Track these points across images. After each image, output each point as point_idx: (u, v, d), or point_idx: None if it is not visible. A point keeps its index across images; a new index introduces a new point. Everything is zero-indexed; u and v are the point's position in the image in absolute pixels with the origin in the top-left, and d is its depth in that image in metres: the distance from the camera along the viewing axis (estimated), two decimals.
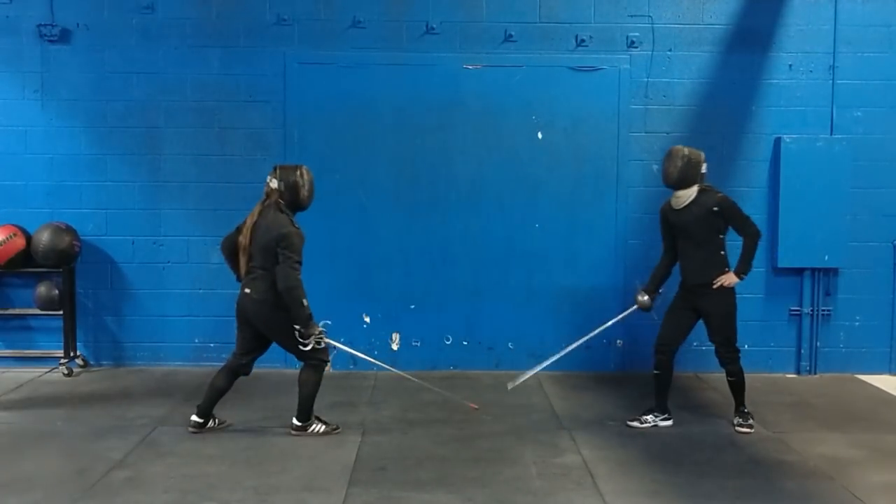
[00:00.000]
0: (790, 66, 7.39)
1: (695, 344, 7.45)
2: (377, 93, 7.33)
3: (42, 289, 7.22)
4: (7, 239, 7.06)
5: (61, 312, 7.21)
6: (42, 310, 7.26)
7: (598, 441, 5.54)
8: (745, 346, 7.41)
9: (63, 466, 5.02)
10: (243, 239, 5.45)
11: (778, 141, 7.36)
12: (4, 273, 7.28)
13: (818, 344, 7.47)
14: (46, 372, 7.27)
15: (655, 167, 7.41)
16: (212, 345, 7.39)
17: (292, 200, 5.44)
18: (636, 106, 7.41)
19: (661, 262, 5.97)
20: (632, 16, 7.37)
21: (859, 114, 7.40)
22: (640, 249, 7.36)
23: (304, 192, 5.46)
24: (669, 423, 5.85)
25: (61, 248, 7.07)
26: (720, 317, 5.72)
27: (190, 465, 5.03)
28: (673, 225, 5.77)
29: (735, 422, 5.76)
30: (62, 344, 7.22)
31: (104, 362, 7.51)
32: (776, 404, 6.51)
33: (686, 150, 5.61)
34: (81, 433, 5.64)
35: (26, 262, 7.14)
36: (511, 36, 7.35)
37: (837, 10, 7.35)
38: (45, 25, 7.25)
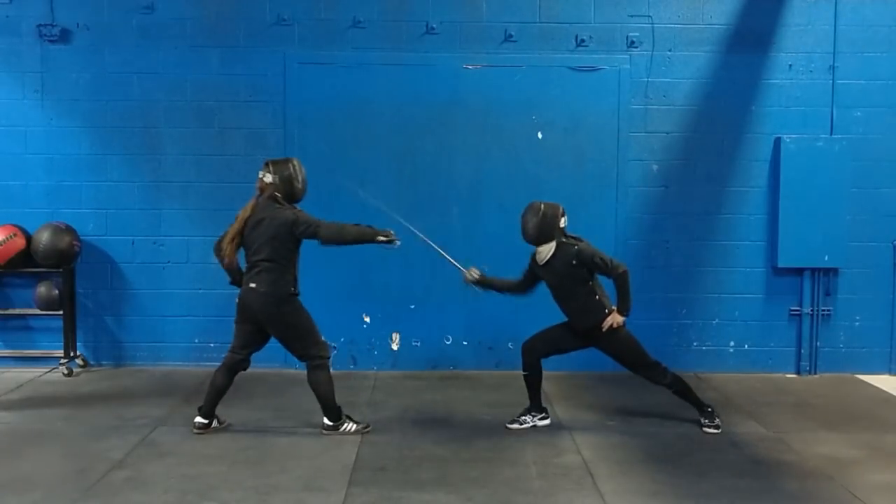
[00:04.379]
0: (790, 66, 7.39)
1: (695, 344, 7.48)
2: (377, 93, 7.33)
3: (42, 289, 7.22)
4: (7, 239, 7.06)
5: (61, 312, 7.21)
6: (42, 310, 7.26)
7: (598, 441, 5.54)
8: (745, 346, 7.50)
9: (63, 466, 5.02)
10: (233, 230, 5.48)
11: (778, 141, 7.36)
12: (4, 273, 7.28)
13: (818, 344, 7.47)
14: (46, 372, 7.27)
15: (655, 167, 7.43)
16: (212, 345, 7.38)
17: (287, 193, 5.51)
18: (636, 106, 7.41)
19: (513, 281, 5.96)
20: (632, 16, 7.37)
21: (859, 114, 7.40)
22: (640, 249, 7.37)
23: (298, 185, 5.55)
24: (547, 421, 5.87)
25: (61, 248, 7.07)
26: (626, 352, 5.73)
27: (190, 465, 5.03)
28: (542, 277, 5.77)
29: (701, 422, 5.75)
30: (62, 344, 7.23)
31: (104, 362, 7.51)
32: (776, 404, 6.50)
33: (543, 206, 5.59)
34: (81, 433, 5.64)
35: (26, 262, 7.14)
36: (511, 36, 7.35)
37: (837, 10, 7.35)
38: (45, 25, 7.25)
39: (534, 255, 5.75)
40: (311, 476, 4.86)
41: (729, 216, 7.46)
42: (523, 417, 5.85)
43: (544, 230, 5.57)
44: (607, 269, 5.52)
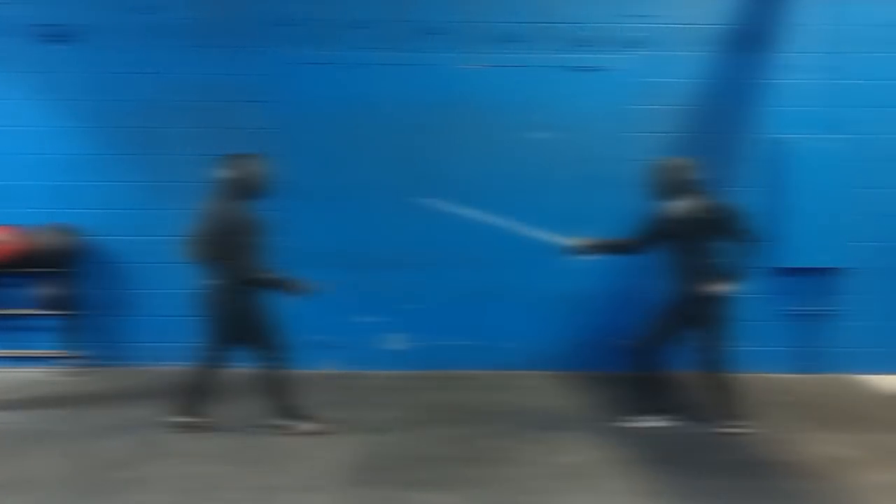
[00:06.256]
0: (790, 66, 7.39)
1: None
2: (377, 93, 7.34)
3: (42, 289, 7.22)
4: (7, 239, 7.07)
5: (61, 312, 7.21)
6: (42, 310, 7.27)
7: (598, 441, 5.54)
8: (744, 346, 7.46)
9: (63, 466, 5.03)
10: (197, 228, 5.52)
11: (778, 141, 7.36)
12: (4, 273, 7.29)
13: (818, 344, 7.47)
14: (46, 372, 7.27)
15: None
16: None
17: (243, 188, 5.52)
18: (636, 106, 7.40)
19: (625, 240, 5.96)
20: (632, 16, 7.37)
21: (859, 114, 7.40)
22: None
23: (255, 179, 5.54)
24: (667, 423, 5.86)
25: (61, 248, 7.07)
26: (713, 331, 5.81)
27: (190, 465, 5.04)
28: (670, 231, 5.77)
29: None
30: (62, 344, 7.23)
31: (104, 362, 7.51)
32: (776, 404, 6.50)
33: (675, 160, 5.77)
34: (81, 433, 5.65)
35: (26, 262, 7.14)
36: (511, 36, 7.35)
37: (837, 10, 7.34)
38: (45, 25, 7.26)
39: (663, 211, 5.74)
40: (311, 476, 4.86)
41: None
42: (645, 417, 5.84)
43: (676, 184, 5.67)
44: (737, 228, 5.63)
